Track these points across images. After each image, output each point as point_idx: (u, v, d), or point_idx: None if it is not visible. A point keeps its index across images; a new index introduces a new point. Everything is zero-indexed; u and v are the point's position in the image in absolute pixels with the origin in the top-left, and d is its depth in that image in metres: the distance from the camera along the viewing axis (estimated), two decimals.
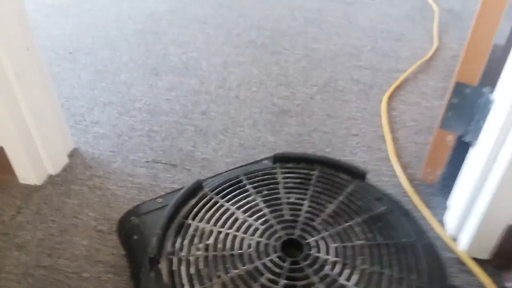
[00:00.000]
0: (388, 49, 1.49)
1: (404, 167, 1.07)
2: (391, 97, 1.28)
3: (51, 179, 1.02)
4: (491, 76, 0.83)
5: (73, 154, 1.08)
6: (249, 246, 0.61)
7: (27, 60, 0.90)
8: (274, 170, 0.72)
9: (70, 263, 0.85)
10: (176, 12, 1.68)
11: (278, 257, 0.59)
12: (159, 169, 1.05)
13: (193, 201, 0.68)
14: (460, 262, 0.86)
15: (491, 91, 0.82)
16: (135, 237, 0.77)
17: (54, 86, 1.04)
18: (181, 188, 0.72)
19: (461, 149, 0.91)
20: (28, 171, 0.99)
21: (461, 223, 0.88)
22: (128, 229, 0.81)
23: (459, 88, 0.86)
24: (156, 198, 0.83)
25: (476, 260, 0.85)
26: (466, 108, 0.87)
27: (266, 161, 0.79)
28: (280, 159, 0.74)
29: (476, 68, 0.84)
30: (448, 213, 0.94)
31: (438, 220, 0.94)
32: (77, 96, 1.26)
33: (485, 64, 0.83)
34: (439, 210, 0.96)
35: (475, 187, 0.83)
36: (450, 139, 0.93)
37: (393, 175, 1.05)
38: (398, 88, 1.32)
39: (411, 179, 1.03)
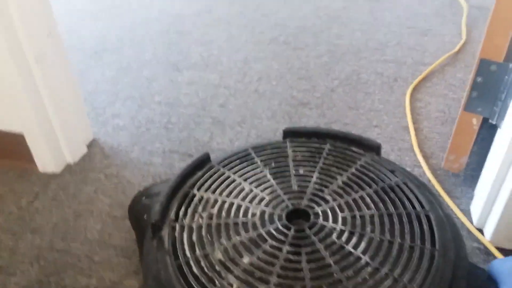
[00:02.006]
0: (414, 43, 1.45)
1: (428, 157, 1.02)
2: (416, 89, 1.24)
3: (69, 167, 1.03)
4: None
5: (92, 145, 1.09)
6: (254, 215, 0.59)
7: (47, 45, 0.92)
8: (283, 145, 0.70)
9: (83, 247, 0.85)
10: (201, 14, 1.71)
11: (283, 225, 0.57)
12: (175, 159, 1.04)
13: (199, 173, 0.66)
14: (486, 252, 0.80)
15: None
16: (145, 216, 0.76)
17: (78, 82, 1.06)
18: None
19: (489, 137, 0.86)
20: (47, 159, 1.01)
21: (487, 211, 0.82)
22: (139, 209, 0.80)
23: (484, 66, 0.82)
24: (167, 180, 0.82)
25: (503, 250, 0.80)
26: (491, 87, 0.82)
27: None
28: (290, 133, 0.71)
29: (501, 43, 0.79)
30: (474, 201, 0.88)
31: (463, 210, 0.88)
32: (99, 91, 1.28)
33: (510, 38, 0.79)
34: (464, 199, 0.91)
35: (501, 172, 0.78)
36: (475, 122, 0.88)
37: (415, 165, 1.00)
38: (424, 80, 1.27)
39: (434, 169, 0.98)
